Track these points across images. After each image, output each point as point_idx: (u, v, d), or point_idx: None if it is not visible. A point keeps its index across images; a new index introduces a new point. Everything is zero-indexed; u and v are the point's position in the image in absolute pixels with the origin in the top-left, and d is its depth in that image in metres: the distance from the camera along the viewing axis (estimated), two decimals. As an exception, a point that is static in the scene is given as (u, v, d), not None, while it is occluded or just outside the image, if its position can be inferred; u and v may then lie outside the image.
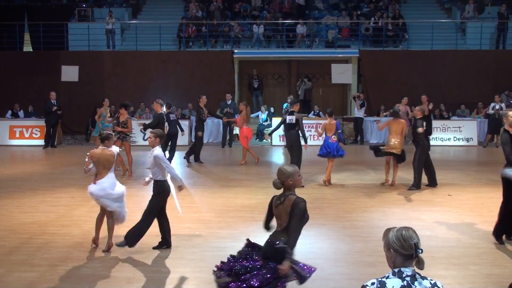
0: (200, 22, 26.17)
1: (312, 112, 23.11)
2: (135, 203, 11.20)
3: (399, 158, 13.00)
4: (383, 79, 24.00)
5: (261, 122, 22.36)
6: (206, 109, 16.80)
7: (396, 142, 12.82)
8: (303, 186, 4.68)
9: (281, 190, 5.21)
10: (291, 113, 13.20)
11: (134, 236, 8.10)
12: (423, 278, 3.31)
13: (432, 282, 3.31)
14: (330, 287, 6.85)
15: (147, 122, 15.81)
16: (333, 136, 12.94)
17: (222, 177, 14.28)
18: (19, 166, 17.01)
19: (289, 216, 5.01)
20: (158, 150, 8.12)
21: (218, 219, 10.04)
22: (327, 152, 12.97)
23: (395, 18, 26.30)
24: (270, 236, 5.16)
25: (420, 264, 3.34)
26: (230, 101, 19.85)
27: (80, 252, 8.10)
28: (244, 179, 14.04)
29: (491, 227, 8.77)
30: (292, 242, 4.96)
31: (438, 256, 7.90)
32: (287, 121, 13.19)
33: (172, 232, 8.84)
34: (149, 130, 11.45)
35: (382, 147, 13.21)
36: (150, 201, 8.28)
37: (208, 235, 9.10)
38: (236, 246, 8.44)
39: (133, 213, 9.01)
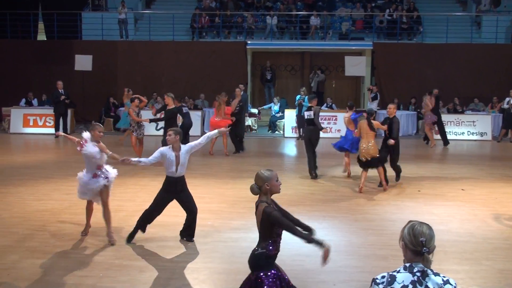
0: (214, 13, 26.12)
1: (325, 104, 23.03)
2: (149, 193, 11.26)
3: (376, 160, 11.70)
4: (397, 72, 23.86)
5: (273, 113, 22.33)
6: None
7: (370, 145, 11.59)
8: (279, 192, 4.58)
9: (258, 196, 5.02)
10: (309, 109, 13.16)
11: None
12: (436, 274, 3.28)
13: (445, 279, 3.28)
14: (342, 279, 6.84)
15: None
16: (356, 131, 12.81)
17: (233, 168, 14.28)
18: (33, 154, 17.11)
19: (260, 225, 4.86)
20: (185, 147, 8.20)
21: (229, 210, 10.05)
22: (342, 147, 12.96)
23: (409, 10, 26.10)
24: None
25: (425, 262, 3.29)
26: (242, 92, 19.84)
27: (92, 240, 8.14)
28: (255, 170, 13.96)
29: (504, 222, 8.72)
30: (299, 234, 4.82)
31: (451, 251, 7.86)
32: (306, 117, 13.14)
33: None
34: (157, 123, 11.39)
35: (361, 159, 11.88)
36: (189, 194, 8.27)
37: (220, 225, 9.12)
38: (247, 237, 8.49)
39: (146, 202, 9.01)
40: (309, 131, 13.15)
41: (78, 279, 6.75)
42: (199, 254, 7.70)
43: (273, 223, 4.78)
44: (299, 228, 4.96)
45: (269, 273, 4.80)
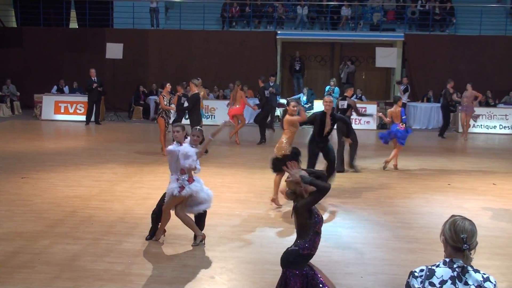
0: (244, 2, 26.05)
1: (354, 96, 22.80)
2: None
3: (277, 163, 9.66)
4: (428, 64, 23.55)
5: (302, 104, 22.23)
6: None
7: (283, 141, 9.72)
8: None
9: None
10: (344, 98, 13.07)
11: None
12: (476, 271, 3.22)
13: (485, 276, 3.22)
14: (369, 271, 6.80)
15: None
16: (400, 124, 12.71)
17: (262, 158, 14.23)
18: (63, 140, 17.33)
19: (296, 223, 4.72)
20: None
21: (257, 200, 10.05)
22: (390, 138, 12.87)
23: (442, 1, 25.70)
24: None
25: (465, 259, 3.24)
26: (272, 83, 19.83)
27: (121, 227, 8.22)
28: (284, 161, 13.98)
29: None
30: (324, 184, 4.63)
31: (481, 246, 7.63)
32: (340, 106, 13.04)
33: (211, 210, 8.89)
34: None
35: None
36: None
37: (248, 215, 9.13)
38: (274, 227, 8.50)
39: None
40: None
41: (107, 265, 6.83)
42: (227, 243, 7.72)
43: (304, 208, 4.62)
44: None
45: (296, 272, 4.60)
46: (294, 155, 9.42)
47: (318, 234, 4.75)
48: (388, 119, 13.05)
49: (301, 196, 4.70)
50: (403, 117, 12.88)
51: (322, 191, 4.57)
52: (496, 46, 23.23)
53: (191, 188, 7.41)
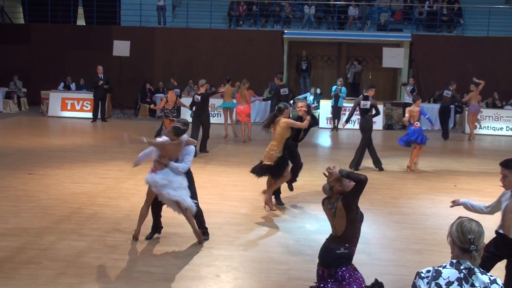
0: (251, 1, 26.03)
1: (361, 96, 22.76)
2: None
3: (273, 171, 9.21)
4: (436, 64, 23.48)
5: (309, 103, 22.20)
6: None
7: (272, 148, 9.25)
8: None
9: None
10: (366, 98, 13.09)
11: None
12: (483, 273, 3.21)
13: (492, 278, 3.21)
14: (376, 272, 6.76)
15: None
16: (416, 123, 12.72)
17: (268, 157, 14.26)
18: (70, 137, 17.37)
19: (347, 222, 4.71)
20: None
21: (262, 198, 10.02)
22: (409, 141, 12.85)
23: (450, 2, 25.63)
24: (327, 239, 4.93)
25: (473, 260, 3.23)
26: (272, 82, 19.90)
27: (127, 224, 8.22)
28: (290, 160, 13.96)
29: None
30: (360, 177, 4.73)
31: (487, 247, 7.73)
32: (362, 106, 13.09)
33: (217, 209, 8.93)
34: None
35: None
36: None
37: (253, 214, 9.13)
38: (280, 226, 8.50)
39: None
40: (363, 120, 13.19)
41: (113, 262, 6.85)
42: (233, 242, 7.73)
43: (354, 202, 4.69)
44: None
45: (349, 266, 4.79)
46: (284, 161, 9.23)
47: (359, 229, 4.88)
48: (406, 118, 13.11)
49: (338, 193, 4.79)
50: (426, 116, 13.18)
51: (361, 183, 4.64)
52: (503, 47, 23.15)
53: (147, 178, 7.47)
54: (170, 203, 7.46)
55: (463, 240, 3.21)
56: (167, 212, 8.37)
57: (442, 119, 19.07)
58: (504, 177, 5.15)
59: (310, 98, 22.15)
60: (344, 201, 4.68)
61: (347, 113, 20.52)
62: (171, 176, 7.32)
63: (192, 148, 7.68)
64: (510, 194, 5.33)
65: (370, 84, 14.25)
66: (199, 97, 14.46)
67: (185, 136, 7.49)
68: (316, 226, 8.56)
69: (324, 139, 18.83)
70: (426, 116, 13.13)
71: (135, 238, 7.60)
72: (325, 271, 4.78)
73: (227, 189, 10.63)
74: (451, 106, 19.67)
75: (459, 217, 3.39)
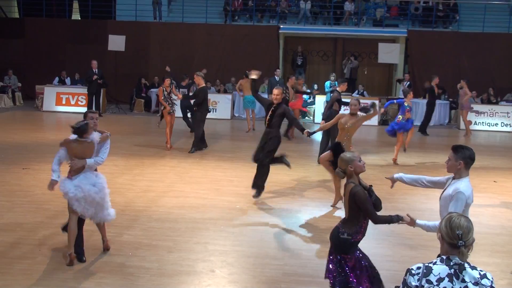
0: (247, -4, 26.01)
1: (356, 91, 22.82)
2: (178, 174, 11.37)
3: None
4: (431, 60, 23.50)
5: (305, 99, 22.16)
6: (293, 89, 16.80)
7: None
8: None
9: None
10: (332, 91, 13.15)
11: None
12: (473, 268, 3.21)
13: (482, 273, 3.21)
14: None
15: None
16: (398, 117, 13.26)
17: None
18: (65, 132, 17.13)
19: (349, 206, 4.94)
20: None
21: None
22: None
23: (446, -2, 25.65)
24: (340, 221, 5.13)
25: (461, 256, 3.23)
26: (278, 77, 19.80)
27: (122, 220, 8.20)
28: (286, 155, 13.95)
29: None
30: (383, 221, 5.01)
31: (482, 243, 7.74)
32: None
33: (212, 204, 8.92)
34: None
35: None
36: None
37: (248, 209, 9.13)
38: (276, 221, 8.50)
39: (176, 183, 9.09)
40: None
41: (108, 257, 6.84)
42: (228, 237, 7.73)
43: (358, 204, 4.86)
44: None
45: (349, 256, 4.94)
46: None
47: (367, 219, 4.99)
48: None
49: (350, 176, 4.97)
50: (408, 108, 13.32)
51: (374, 219, 4.96)
52: (499, 43, 23.19)
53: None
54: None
55: (451, 236, 3.21)
56: (162, 207, 8.38)
57: (428, 112, 19.15)
58: (448, 159, 5.12)
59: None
60: (353, 194, 4.88)
61: (343, 108, 20.62)
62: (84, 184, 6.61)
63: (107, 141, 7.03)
64: (450, 181, 5.25)
65: (343, 79, 14.17)
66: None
67: (95, 134, 6.93)
68: (311, 222, 8.57)
69: (320, 134, 18.77)
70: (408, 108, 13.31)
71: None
72: (334, 256, 5.01)
73: (222, 184, 10.62)
74: (436, 101, 19.59)
75: (449, 213, 3.40)
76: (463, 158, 4.87)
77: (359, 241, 5.04)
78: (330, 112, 12.30)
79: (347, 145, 9.12)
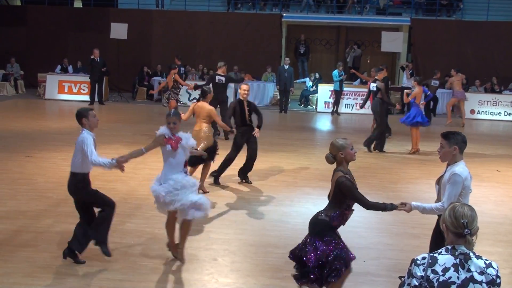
0: (250, -16, 25.89)
1: (359, 80, 22.75)
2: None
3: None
4: (434, 49, 23.39)
5: (307, 88, 22.14)
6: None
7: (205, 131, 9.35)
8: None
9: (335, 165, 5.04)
10: (375, 81, 13.26)
11: None
12: (478, 257, 3.20)
13: (487, 262, 3.19)
14: (372, 256, 6.79)
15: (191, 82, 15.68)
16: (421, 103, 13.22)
17: (266, 142, 14.19)
18: (67, 120, 17.27)
19: (333, 193, 4.92)
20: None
21: (261, 183, 10.04)
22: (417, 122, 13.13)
23: (450, -14, 25.49)
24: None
25: (467, 244, 3.21)
26: (287, 66, 19.69)
27: (124, 208, 8.19)
28: (288, 144, 13.97)
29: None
30: (375, 207, 5.01)
31: (485, 232, 7.71)
32: (371, 88, 13.51)
33: (214, 193, 8.90)
34: None
35: None
36: None
37: (251, 198, 9.13)
38: (278, 210, 8.50)
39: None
40: (373, 103, 13.42)
41: (111, 245, 6.80)
42: (230, 226, 7.73)
43: (345, 193, 4.82)
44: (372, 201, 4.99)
45: (325, 239, 4.85)
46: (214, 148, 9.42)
47: (350, 207, 4.94)
48: (409, 98, 13.33)
49: (340, 163, 4.92)
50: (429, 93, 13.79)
51: (366, 206, 4.96)
52: (503, 32, 23.06)
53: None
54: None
55: (456, 225, 3.19)
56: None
57: (428, 108, 19.07)
58: (441, 147, 5.06)
59: (309, 84, 22.08)
60: (339, 183, 4.83)
61: (345, 97, 20.60)
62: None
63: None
64: (446, 168, 5.22)
65: (380, 67, 14.18)
66: (222, 78, 13.72)
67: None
68: (313, 210, 8.50)
69: (322, 123, 18.78)
70: (428, 93, 13.49)
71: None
72: (308, 238, 4.96)
73: (225, 173, 10.59)
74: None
75: (451, 203, 3.38)
76: (456, 143, 4.87)
77: (336, 227, 4.96)
78: (375, 100, 13.07)
79: None
